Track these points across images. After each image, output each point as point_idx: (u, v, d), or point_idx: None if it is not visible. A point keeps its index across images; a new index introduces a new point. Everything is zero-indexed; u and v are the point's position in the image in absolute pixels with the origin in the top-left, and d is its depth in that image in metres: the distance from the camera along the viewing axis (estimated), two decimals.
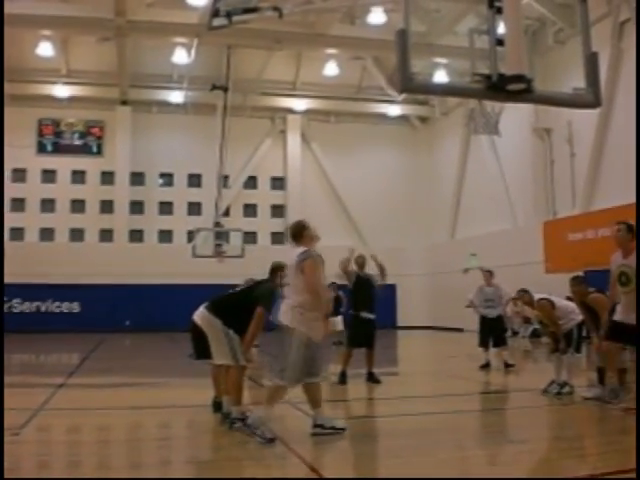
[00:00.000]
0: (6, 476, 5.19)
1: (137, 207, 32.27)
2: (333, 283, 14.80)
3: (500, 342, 14.48)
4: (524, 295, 10.22)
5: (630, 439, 6.36)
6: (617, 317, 8.29)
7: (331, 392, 11.37)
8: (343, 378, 11.65)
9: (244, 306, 7.58)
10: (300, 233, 7.33)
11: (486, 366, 13.82)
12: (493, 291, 14.42)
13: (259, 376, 11.03)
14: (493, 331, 14.38)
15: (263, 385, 11.53)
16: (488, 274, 14.61)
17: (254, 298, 7.64)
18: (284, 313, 6.95)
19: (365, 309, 11.94)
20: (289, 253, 7.24)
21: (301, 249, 7.11)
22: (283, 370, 6.85)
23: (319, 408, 7.13)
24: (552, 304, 9.75)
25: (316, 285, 6.86)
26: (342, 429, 7.10)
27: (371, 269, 12.37)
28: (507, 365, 13.95)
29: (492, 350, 14.40)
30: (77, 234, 31.74)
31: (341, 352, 12.69)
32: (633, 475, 5.25)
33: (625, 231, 8.32)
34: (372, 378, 11.56)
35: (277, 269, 7.96)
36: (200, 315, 8.04)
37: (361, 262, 12.29)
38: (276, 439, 6.72)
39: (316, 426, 7.05)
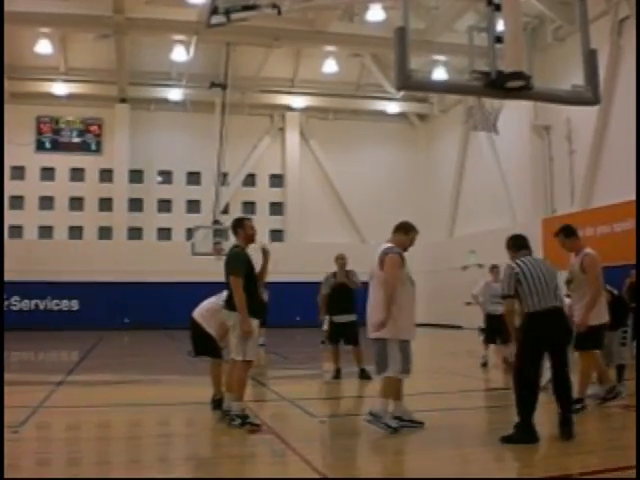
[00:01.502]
0: (6, 473, 5.19)
1: (136, 205, 32.25)
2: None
3: (507, 339, 14.45)
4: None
5: (630, 436, 6.37)
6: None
7: (328, 389, 11.42)
8: (337, 374, 11.94)
9: (250, 290, 7.43)
10: None
11: (486, 364, 13.82)
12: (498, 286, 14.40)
13: (261, 374, 11.04)
14: (500, 328, 14.34)
15: (264, 384, 11.58)
16: (496, 270, 14.58)
17: (226, 269, 7.55)
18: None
19: (339, 312, 12.03)
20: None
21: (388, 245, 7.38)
22: (383, 363, 7.04)
23: (399, 401, 7.31)
24: None
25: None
26: (394, 429, 7.03)
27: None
28: (509, 363, 13.96)
29: (491, 347, 14.38)
30: (76, 232, 31.73)
31: (328, 350, 12.76)
32: (633, 472, 5.25)
33: (563, 236, 8.55)
34: (363, 375, 11.61)
35: (236, 225, 7.92)
36: (205, 311, 8.02)
37: (341, 263, 12.31)
38: (398, 429, 6.93)
39: (371, 414, 7.13)
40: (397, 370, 7.05)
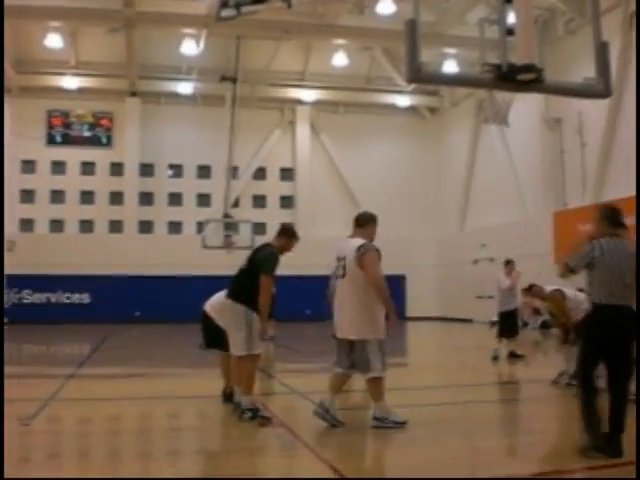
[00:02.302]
0: (16, 465, 5.22)
1: (146, 198, 32.31)
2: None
3: (515, 334, 14.50)
4: (533, 289, 10.21)
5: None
6: None
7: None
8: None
9: (252, 276, 7.34)
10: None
11: (497, 358, 13.84)
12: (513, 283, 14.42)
13: (270, 367, 11.05)
14: (512, 323, 14.40)
15: (273, 376, 11.59)
16: (510, 265, 14.58)
17: (256, 265, 7.43)
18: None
19: None
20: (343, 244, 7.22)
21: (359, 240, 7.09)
22: (367, 365, 6.87)
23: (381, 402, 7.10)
24: (563, 295, 9.73)
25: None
26: (403, 423, 7.01)
27: None
28: (515, 355, 13.99)
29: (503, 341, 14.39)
30: (87, 225, 31.83)
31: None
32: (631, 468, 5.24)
33: None
34: None
35: (289, 232, 7.83)
36: (217, 304, 8.01)
37: None
38: (407, 422, 6.93)
39: (376, 419, 7.02)
40: (380, 369, 6.91)
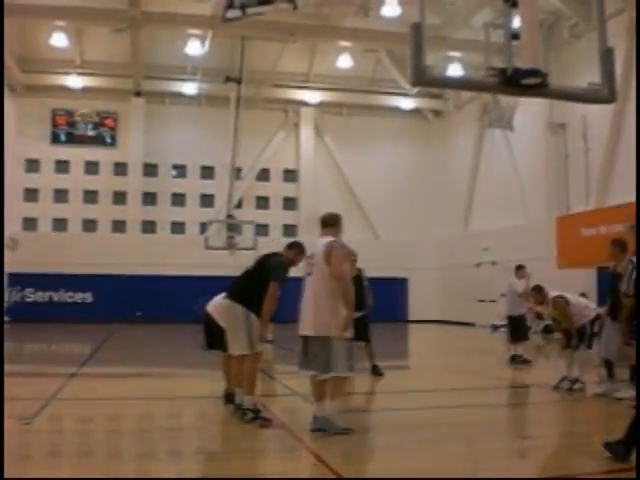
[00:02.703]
0: (17, 464, 5.22)
1: (150, 198, 32.34)
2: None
3: (525, 338, 14.51)
4: (537, 295, 10.19)
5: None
6: None
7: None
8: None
9: (259, 280, 7.43)
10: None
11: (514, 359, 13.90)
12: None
13: (270, 369, 11.05)
14: (519, 327, 14.43)
15: (274, 378, 11.60)
16: (521, 270, 14.58)
17: (266, 271, 7.52)
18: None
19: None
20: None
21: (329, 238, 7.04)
22: (327, 364, 6.73)
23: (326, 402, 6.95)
24: (566, 301, 9.71)
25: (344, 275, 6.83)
26: (347, 430, 6.86)
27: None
28: (524, 360, 14.04)
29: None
30: (90, 225, 31.87)
31: None
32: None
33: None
34: (376, 371, 11.63)
35: (297, 248, 7.89)
36: (219, 305, 8.03)
37: (352, 259, 12.18)
38: (351, 429, 6.79)
39: (321, 419, 6.88)
40: (345, 369, 6.78)
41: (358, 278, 12.06)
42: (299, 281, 7.13)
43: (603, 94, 6.64)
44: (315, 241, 7.21)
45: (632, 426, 5.75)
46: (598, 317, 9.76)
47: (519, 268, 14.69)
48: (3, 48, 24.30)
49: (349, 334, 6.84)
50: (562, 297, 9.78)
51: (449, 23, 25.53)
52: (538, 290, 10.26)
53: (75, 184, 31.74)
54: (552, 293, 9.96)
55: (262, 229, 30.83)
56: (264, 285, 7.34)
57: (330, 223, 7.31)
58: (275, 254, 7.79)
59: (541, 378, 11.51)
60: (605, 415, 8.42)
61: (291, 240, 8.10)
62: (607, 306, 9.09)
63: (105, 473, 5.46)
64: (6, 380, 8.70)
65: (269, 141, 33.69)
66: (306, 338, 6.89)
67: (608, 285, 9.19)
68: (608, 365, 9.11)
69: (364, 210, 33.95)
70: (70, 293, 30.14)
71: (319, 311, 6.80)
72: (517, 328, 14.26)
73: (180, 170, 33.12)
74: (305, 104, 33.59)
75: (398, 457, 6.03)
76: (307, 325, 6.90)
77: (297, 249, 7.88)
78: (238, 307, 7.51)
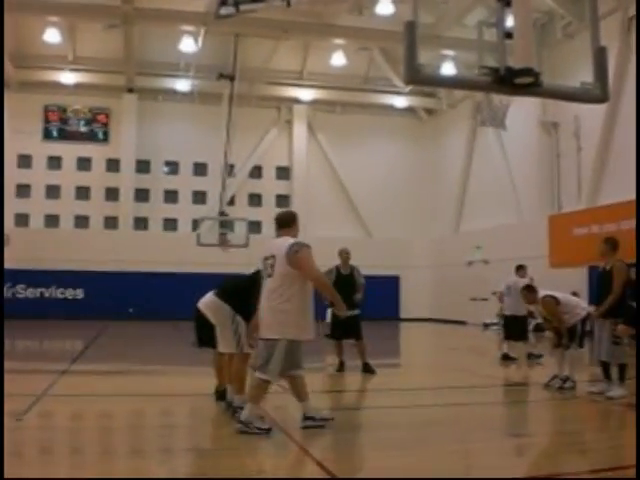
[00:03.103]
0: (9, 461, 5.20)
1: (142, 195, 32.28)
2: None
3: (525, 338, 14.55)
4: (528, 295, 10.22)
5: (631, 434, 6.36)
6: None
7: (331, 383, 11.43)
8: (341, 367, 12.01)
9: (252, 291, 7.40)
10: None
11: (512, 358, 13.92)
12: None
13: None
14: (518, 327, 14.47)
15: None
16: (522, 270, 14.61)
17: (258, 288, 7.48)
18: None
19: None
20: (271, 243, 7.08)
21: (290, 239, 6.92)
22: (265, 364, 6.69)
23: (306, 401, 6.97)
24: (556, 300, 9.72)
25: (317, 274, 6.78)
26: (330, 419, 7.00)
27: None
28: (535, 356, 14.09)
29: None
30: (82, 221, 31.79)
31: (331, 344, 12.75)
32: (633, 471, 5.24)
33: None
34: (367, 369, 11.66)
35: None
36: (208, 301, 8.04)
37: (345, 257, 12.22)
38: (271, 428, 6.70)
39: (307, 419, 6.92)
40: (276, 373, 6.70)
41: (350, 276, 12.10)
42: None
43: (596, 93, 6.66)
44: (272, 242, 7.09)
45: None
46: (589, 316, 9.78)
47: (520, 268, 14.70)
48: (3, 49, 24.26)
49: (310, 336, 6.80)
50: (551, 297, 9.79)
51: (442, 22, 25.55)
52: (530, 289, 10.29)
53: (67, 180, 31.66)
54: (542, 292, 9.98)
55: (255, 226, 30.79)
56: (255, 293, 7.28)
57: (286, 223, 7.15)
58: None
59: (532, 377, 11.55)
60: (596, 414, 8.45)
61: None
62: (598, 305, 9.12)
63: (96, 470, 5.45)
64: None
65: (262, 138, 33.68)
66: (266, 340, 6.81)
67: (598, 283, 9.22)
68: (604, 366, 9.13)
69: (356, 208, 33.98)
70: (61, 289, 30.05)
71: (274, 313, 6.71)
72: (519, 328, 14.27)
73: (173, 167, 33.09)
74: (298, 102, 33.58)
75: (390, 455, 6.03)
76: (264, 327, 6.81)
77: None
78: (226, 307, 7.62)
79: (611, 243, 9.11)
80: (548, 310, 9.82)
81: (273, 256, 6.83)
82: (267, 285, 6.86)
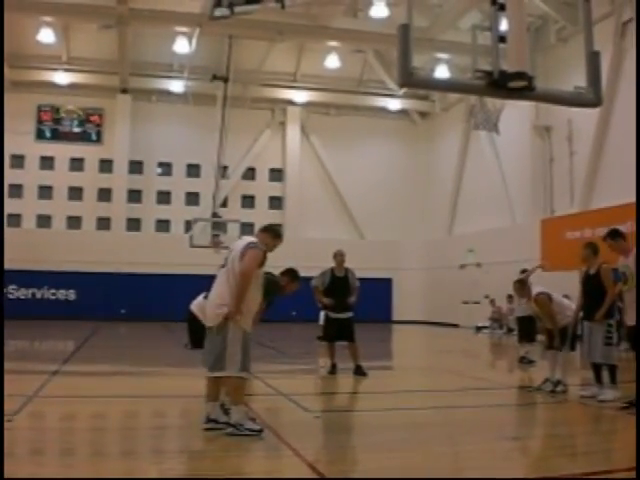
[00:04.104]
0: None
1: (135, 196, 32.25)
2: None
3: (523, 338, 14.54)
4: (520, 289, 10.26)
5: (622, 438, 6.38)
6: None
7: (323, 385, 11.43)
8: (333, 369, 11.97)
9: None
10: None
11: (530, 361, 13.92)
12: None
13: (254, 368, 10.99)
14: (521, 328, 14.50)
15: (257, 377, 11.58)
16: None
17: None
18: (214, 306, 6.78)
19: (337, 309, 11.93)
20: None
21: (249, 238, 7.00)
22: (219, 362, 6.61)
23: (239, 405, 6.77)
24: (549, 298, 9.75)
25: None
26: (259, 431, 6.65)
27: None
28: (529, 361, 14.09)
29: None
30: (74, 221, 31.73)
31: (324, 346, 12.76)
32: (626, 474, 5.26)
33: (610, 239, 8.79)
34: (359, 371, 11.65)
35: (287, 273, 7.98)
36: (200, 305, 8.03)
37: (340, 259, 12.19)
38: (263, 430, 6.68)
39: (230, 425, 6.69)
40: (238, 368, 6.62)
41: (345, 278, 12.10)
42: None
43: (589, 98, 6.68)
44: (239, 239, 7.20)
45: None
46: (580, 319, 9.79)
47: (524, 272, 14.72)
48: (3, 51, 24.20)
49: (248, 328, 6.74)
50: (544, 293, 9.82)
51: (437, 25, 25.59)
52: (521, 284, 10.35)
53: (60, 181, 31.61)
54: (535, 289, 10.00)
55: (247, 228, 30.71)
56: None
57: (263, 229, 7.25)
58: (268, 273, 7.71)
59: (524, 380, 11.57)
60: (588, 417, 8.46)
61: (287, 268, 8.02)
62: (588, 311, 9.14)
63: (88, 471, 5.44)
64: None
65: (255, 140, 33.70)
66: (209, 329, 6.83)
67: (583, 288, 9.29)
68: (596, 369, 9.14)
69: (349, 210, 34.02)
70: (53, 290, 30.00)
71: (220, 301, 6.72)
72: (524, 329, 14.31)
73: (166, 168, 33.07)
74: (292, 103, 33.61)
75: (382, 457, 6.04)
76: (208, 316, 6.86)
77: (290, 275, 7.89)
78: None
79: (592, 248, 9.30)
80: (541, 307, 9.83)
81: (232, 250, 6.97)
82: (220, 275, 6.96)
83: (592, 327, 9.03)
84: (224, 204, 31.90)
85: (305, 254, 27.33)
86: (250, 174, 33.84)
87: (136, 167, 32.38)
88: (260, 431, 6.60)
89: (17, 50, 29.25)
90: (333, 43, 29.40)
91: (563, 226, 23.06)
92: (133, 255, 29.61)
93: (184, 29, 27.74)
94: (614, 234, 8.66)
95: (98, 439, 6.87)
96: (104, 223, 31.86)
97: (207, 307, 6.94)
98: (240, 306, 6.61)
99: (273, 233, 7.22)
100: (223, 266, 6.96)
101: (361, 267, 16.15)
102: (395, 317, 32.72)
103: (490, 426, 7.97)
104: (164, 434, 7.17)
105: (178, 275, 28.01)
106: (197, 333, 8.18)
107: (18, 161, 31.25)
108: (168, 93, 31.84)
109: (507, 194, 27.61)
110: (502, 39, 6.39)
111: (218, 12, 17.34)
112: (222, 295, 6.73)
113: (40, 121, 31.75)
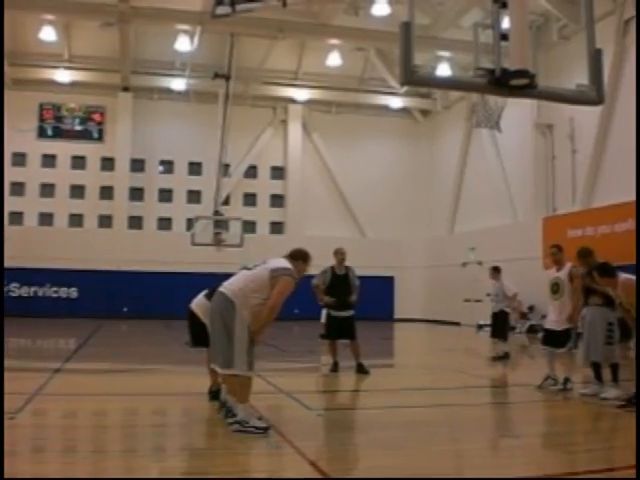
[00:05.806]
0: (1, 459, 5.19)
1: (137, 194, 32.25)
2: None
3: (496, 334, 14.60)
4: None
5: (623, 436, 6.38)
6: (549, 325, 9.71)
7: (325, 383, 11.44)
8: (335, 367, 11.98)
9: None
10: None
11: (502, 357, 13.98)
12: (497, 286, 14.46)
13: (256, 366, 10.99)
14: (494, 324, 14.58)
15: (262, 376, 11.58)
16: (492, 270, 14.67)
17: None
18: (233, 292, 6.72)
19: (338, 307, 11.92)
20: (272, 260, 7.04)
21: (285, 263, 6.95)
22: (229, 359, 6.59)
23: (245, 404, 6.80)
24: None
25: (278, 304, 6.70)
26: (266, 428, 6.68)
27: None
28: (494, 358, 14.12)
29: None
30: (76, 219, 31.73)
31: (326, 344, 12.75)
32: (627, 472, 5.26)
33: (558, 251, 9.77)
34: (361, 369, 11.65)
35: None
36: (201, 304, 8.03)
37: (341, 257, 12.17)
38: (270, 427, 6.70)
39: (237, 423, 6.73)
40: (246, 368, 6.63)
41: (346, 276, 12.10)
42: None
43: (591, 96, 6.68)
44: (275, 257, 7.13)
45: None
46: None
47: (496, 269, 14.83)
48: (3, 51, 24.21)
49: (254, 327, 6.70)
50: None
51: (438, 23, 25.58)
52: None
53: (62, 179, 31.60)
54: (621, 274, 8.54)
55: (249, 226, 30.79)
56: None
57: (296, 257, 7.21)
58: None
59: (525, 378, 11.57)
60: (589, 415, 8.46)
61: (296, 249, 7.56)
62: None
63: (89, 469, 5.45)
64: None
65: (257, 138, 33.68)
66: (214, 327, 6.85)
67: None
68: (595, 368, 9.14)
69: (351, 208, 34.00)
70: (55, 288, 29.99)
71: (233, 297, 6.68)
72: (498, 324, 14.42)
73: (167, 166, 33.06)
74: (293, 101, 33.58)
75: (383, 455, 6.04)
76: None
77: (304, 258, 7.54)
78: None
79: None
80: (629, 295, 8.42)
81: (266, 262, 6.96)
82: (242, 273, 6.96)
83: (592, 326, 9.04)
84: (226, 202, 31.87)
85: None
86: (252, 172, 33.82)
87: (138, 165, 32.37)
88: (266, 429, 6.61)
89: (19, 48, 29.24)
90: (334, 41, 29.37)
91: (565, 224, 23.03)
92: (135, 253, 29.61)
93: (186, 27, 27.71)
94: (602, 270, 8.48)
95: (99, 437, 6.88)
96: (106, 221, 31.86)
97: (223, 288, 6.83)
98: (263, 331, 6.70)
99: (306, 261, 7.25)
100: (246, 268, 6.96)
101: (363, 265, 16.19)
102: (397, 315, 32.71)
103: (492, 424, 7.98)
104: (165, 432, 7.18)
105: (180, 273, 28.01)
106: (198, 331, 8.20)
107: (20, 159, 31.24)
108: (170, 91, 31.82)
109: (509, 192, 27.59)
110: (504, 37, 6.38)
111: (220, 10, 17.37)
112: (236, 287, 6.73)
113: (42, 119, 31.74)
